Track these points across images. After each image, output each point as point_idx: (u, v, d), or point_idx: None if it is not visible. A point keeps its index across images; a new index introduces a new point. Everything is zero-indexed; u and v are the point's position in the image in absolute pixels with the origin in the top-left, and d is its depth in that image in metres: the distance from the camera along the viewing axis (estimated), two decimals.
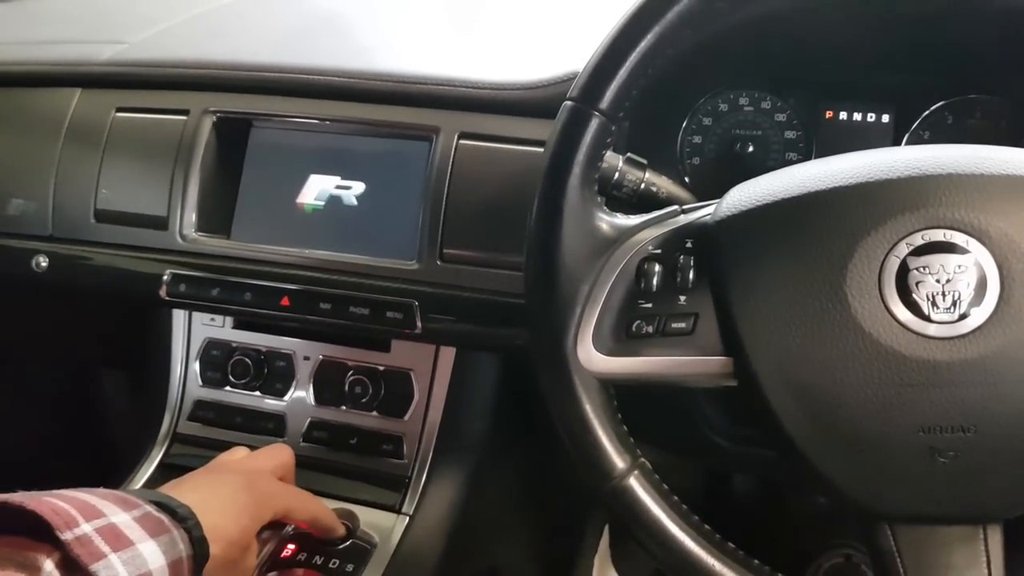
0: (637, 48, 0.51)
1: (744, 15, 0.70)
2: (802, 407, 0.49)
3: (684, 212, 0.56)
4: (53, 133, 0.87)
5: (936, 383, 0.47)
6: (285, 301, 0.79)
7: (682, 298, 0.52)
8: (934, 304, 0.46)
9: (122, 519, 0.49)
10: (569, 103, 0.53)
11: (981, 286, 0.46)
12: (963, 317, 0.46)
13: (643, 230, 0.55)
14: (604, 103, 0.52)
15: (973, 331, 0.46)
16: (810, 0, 0.69)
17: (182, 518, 0.54)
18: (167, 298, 0.82)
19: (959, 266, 0.46)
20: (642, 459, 0.54)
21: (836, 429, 0.49)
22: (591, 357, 0.53)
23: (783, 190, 0.51)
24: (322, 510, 0.72)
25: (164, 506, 0.54)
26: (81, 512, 0.47)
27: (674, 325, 0.52)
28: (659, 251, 0.54)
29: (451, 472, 0.85)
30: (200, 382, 0.90)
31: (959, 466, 0.48)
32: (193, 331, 0.89)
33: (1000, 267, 0.46)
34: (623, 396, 0.55)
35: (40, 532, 0.44)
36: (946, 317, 0.46)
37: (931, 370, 0.46)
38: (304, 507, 0.69)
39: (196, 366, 0.89)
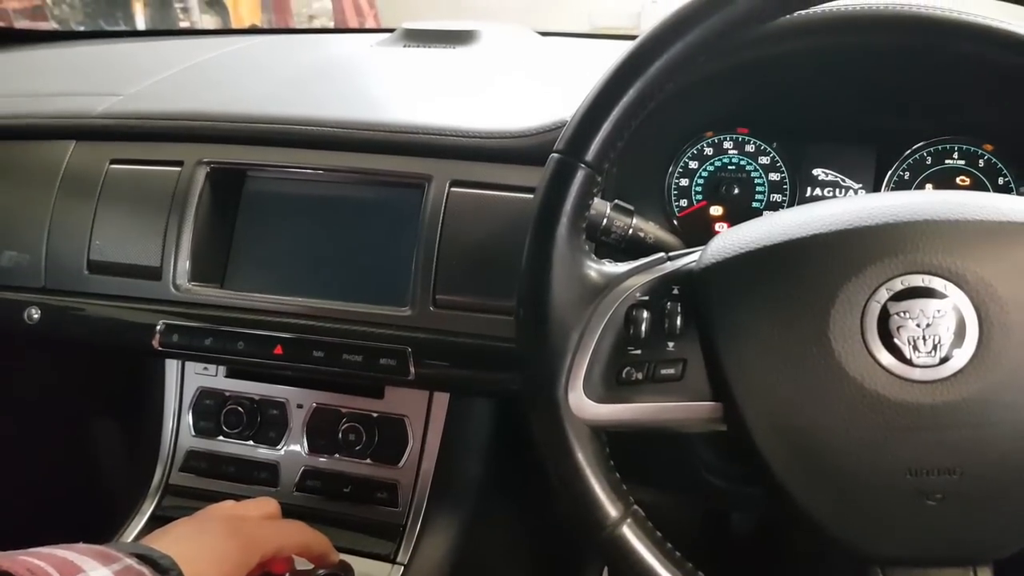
0: (620, 102, 0.52)
1: (722, 67, 0.72)
2: (790, 451, 0.50)
3: (670, 259, 0.57)
4: (47, 185, 0.88)
5: (921, 426, 0.47)
6: (278, 350, 0.80)
7: (670, 344, 0.53)
8: (915, 348, 0.47)
9: (101, 574, 0.48)
10: (556, 155, 0.54)
11: (960, 330, 0.47)
12: (944, 361, 0.47)
13: (631, 277, 0.56)
14: (589, 155, 0.53)
15: (954, 374, 0.47)
16: (781, 48, 0.70)
17: (164, 569, 0.53)
18: (160, 348, 0.82)
19: (938, 311, 0.47)
20: (635, 507, 0.54)
21: (824, 473, 0.49)
22: (582, 405, 0.53)
23: (765, 237, 0.52)
24: (312, 538, 0.70)
25: (146, 558, 0.53)
26: (59, 570, 0.46)
27: (663, 371, 0.53)
28: (647, 298, 0.55)
29: (446, 519, 0.85)
30: (193, 432, 0.89)
31: (947, 508, 0.48)
32: (186, 380, 0.89)
33: (978, 311, 0.47)
34: (618, 438, 0.56)
35: None
36: (928, 361, 0.47)
37: (915, 413, 0.47)
38: (293, 540, 0.68)
39: (189, 416, 0.89)
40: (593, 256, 0.57)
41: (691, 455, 0.86)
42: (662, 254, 0.58)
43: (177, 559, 0.54)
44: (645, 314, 0.54)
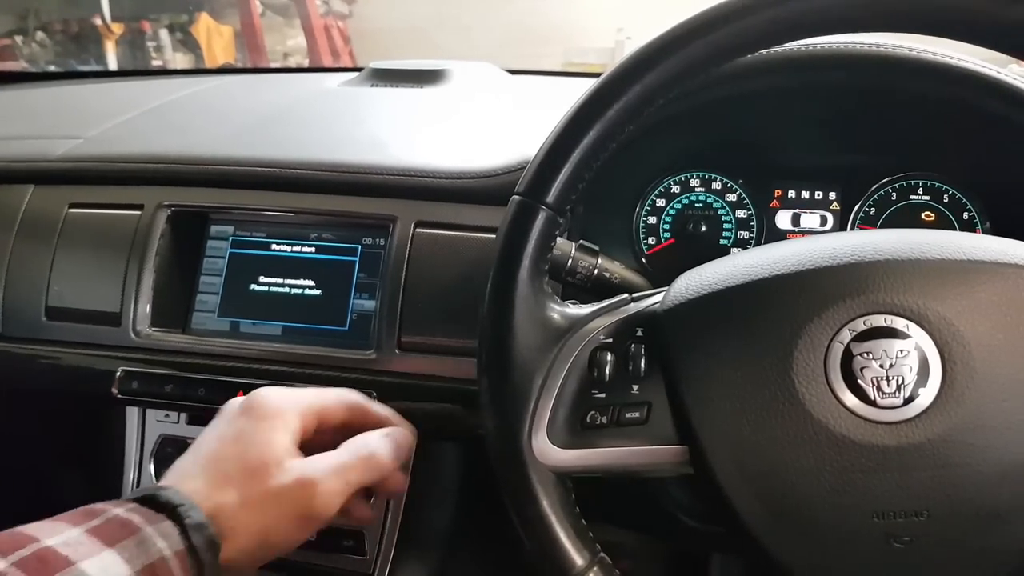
0: (580, 145, 0.52)
1: (686, 105, 0.72)
2: (756, 494, 0.49)
3: (634, 300, 0.57)
4: (4, 230, 0.86)
5: (886, 468, 0.47)
6: (240, 395, 0.78)
7: (635, 387, 0.52)
8: (879, 389, 0.47)
9: (65, 538, 0.42)
10: (517, 198, 0.54)
11: (924, 370, 0.47)
12: (908, 402, 0.47)
13: (594, 319, 0.55)
14: (550, 197, 0.53)
15: (919, 415, 0.47)
16: (743, 86, 0.71)
17: (170, 506, 0.45)
18: (119, 395, 0.80)
19: (901, 351, 0.47)
20: (601, 554, 0.53)
21: (791, 516, 0.49)
22: (546, 450, 0.52)
23: (727, 278, 0.52)
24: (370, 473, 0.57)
25: (147, 499, 0.46)
26: (1, 547, 0.40)
27: (628, 415, 0.52)
28: (610, 340, 0.54)
29: (414, 568, 0.82)
30: (154, 481, 0.87)
31: (915, 551, 0.47)
32: (147, 428, 0.87)
33: (941, 351, 0.47)
34: (587, 480, 0.55)
35: None
36: (892, 402, 0.47)
37: (881, 455, 0.47)
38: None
39: (151, 465, 0.86)
40: (556, 298, 0.56)
41: (663, 494, 0.85)
42: (626, 295, 0.57)
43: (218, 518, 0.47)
44: (609, 357, 0.53)
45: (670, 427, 0.51)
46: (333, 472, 0.53)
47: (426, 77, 1.13)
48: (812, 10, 0.48)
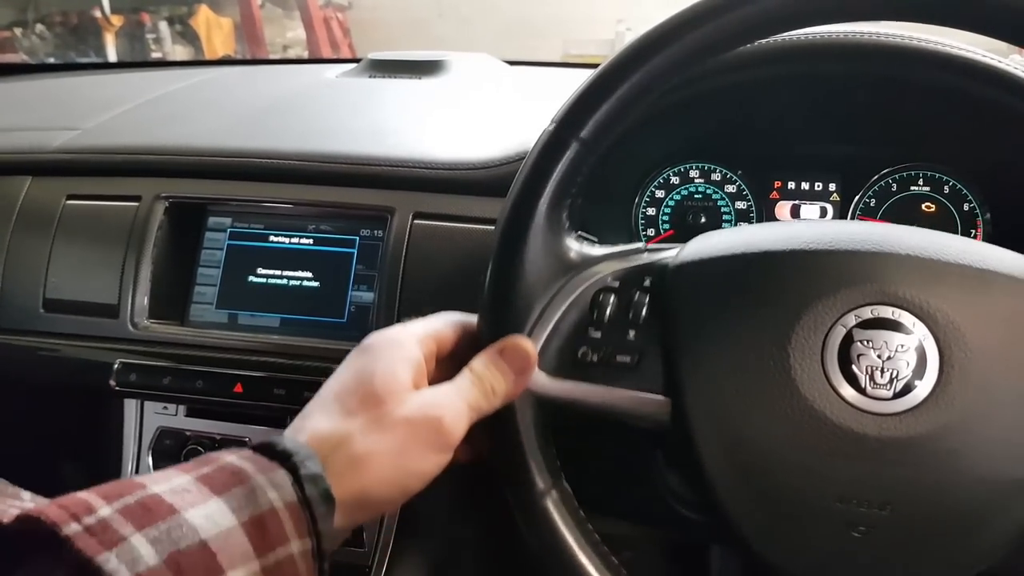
0: (625, 84, 0.50)
1: (688, 95, 0.72)
2: (728, 458, 0.49)
3: (648, 251, 0.56)
4: (2, 222, 0.86)
5: (860, 456, 0.46)
6: (238, 388, 0.78)
7: (631, 333, 0.52)
8: (872, 379, 0.46)
9: (172, 485, 0.39)
10: (551, 127, 0.52)
11: (920, 369, 0.46)
12: (897, 396, 0.46)
13: (605, 261, 0.55)
14: (585, 132, 0.51)
15: (905, 411, 0.46)
16: (746, 75, 0.70)
17: (286, 454, 0.42)
18: (117, 387, 0.80)
19: (901, 345, 0.46)
20: (564, 484, 0.53)
21: (757, 486, 0.49)
22: (533, 374, 0.52)
23: (744, 245, 0.52)
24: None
25: (267, 447, 0.43)
26: (107, 494, 0.38)
27: (619, 358, 0.52)
28: (617, 284, 0.54)
29: (414, 559, 0.82)
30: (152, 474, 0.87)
31: (871, 542, 0.47)
32: (145, 420, 0.87)
33: (941, 353, 0.46)
34: (584, 460, 0.55)
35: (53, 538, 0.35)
36: (881, 393, 0.46)
37: (858, 443, 0.46)
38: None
39: (149, 457, 0.86)
40: (573, 234, 0.55)
41: (660, 485, 0.85)
42: (640, 244, 0.57)
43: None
44: (612, 299, 0.53)
45: (658, 377, 0.51)
46: (455, 395, 0.50)
47: (424, 68, 1.12)
48: None
